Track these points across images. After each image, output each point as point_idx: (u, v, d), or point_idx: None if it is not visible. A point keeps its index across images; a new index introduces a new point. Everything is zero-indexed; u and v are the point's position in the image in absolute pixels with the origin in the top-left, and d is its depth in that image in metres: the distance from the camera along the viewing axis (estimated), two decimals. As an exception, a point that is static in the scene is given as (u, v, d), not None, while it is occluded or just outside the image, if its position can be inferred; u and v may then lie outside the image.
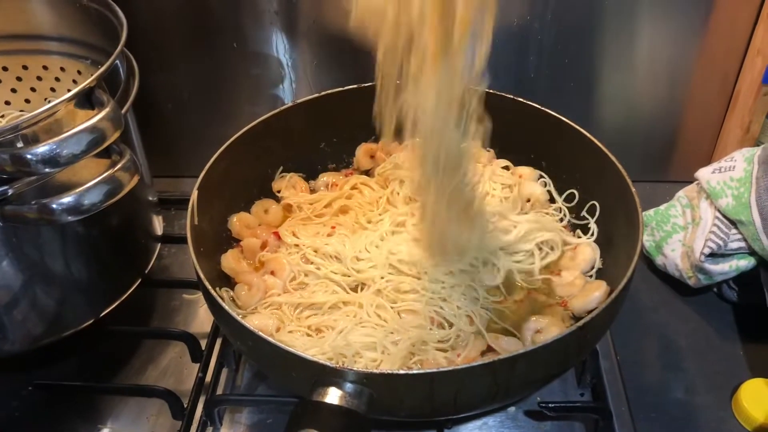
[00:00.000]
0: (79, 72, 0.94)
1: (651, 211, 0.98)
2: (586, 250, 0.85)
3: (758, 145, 0.91)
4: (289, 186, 0.96)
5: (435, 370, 0.61)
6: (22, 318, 0.78)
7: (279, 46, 1.03)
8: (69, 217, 0.68)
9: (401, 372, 0.59)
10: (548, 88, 1.06)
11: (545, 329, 0.77)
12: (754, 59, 0.98)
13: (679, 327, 0.92)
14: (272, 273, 0.84)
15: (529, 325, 0.77)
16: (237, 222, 0.90)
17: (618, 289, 0.67)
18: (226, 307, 0.67)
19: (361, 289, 0.82)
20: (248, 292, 0.82)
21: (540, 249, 0.86)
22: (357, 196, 0.94)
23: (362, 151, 1.01)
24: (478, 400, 0.66)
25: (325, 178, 0.99)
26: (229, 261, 0.85)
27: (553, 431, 0.79)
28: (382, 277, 0.81)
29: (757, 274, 0.86)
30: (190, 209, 0.78)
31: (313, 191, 0.98)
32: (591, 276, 0.85)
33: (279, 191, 0.96)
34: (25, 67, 0.95)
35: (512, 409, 0.81)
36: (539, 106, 0.92)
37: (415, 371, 0.59)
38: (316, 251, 0.86)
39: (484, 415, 0.79)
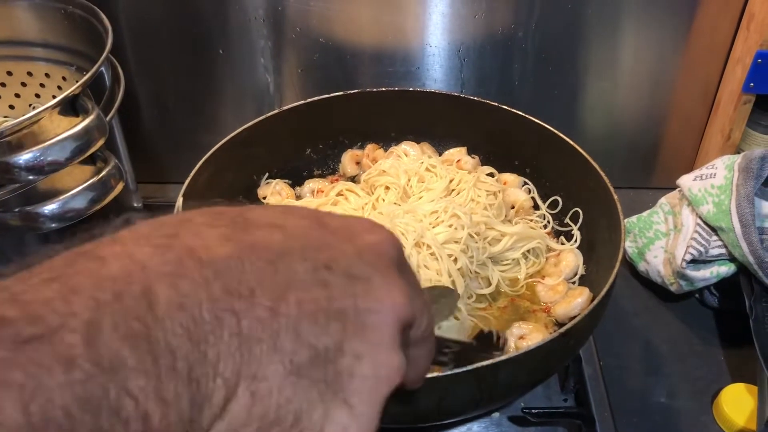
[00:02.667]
0: (64, 78, 0.94)
1: (634, 218, 1.00)
2: (569, 257, 0.86)
3: (739, 153, 0.92)
4: (275, 193, 0.96)
5: (418, 376, 0.61)
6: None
7: (265, 53, 1.04)
8: (53, 224, 0.69)
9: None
10: (532, 96, 1.07)
11: (528, 335, 0.78)
12: (734, 68, 1.00)
13: (662, 332, 0.93)
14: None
15: (513, 331, 0.78)
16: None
17: (600, 295, 0.68)
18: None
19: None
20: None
21: (525, 257, 0.87)
22: (343, 202, 0.95)
23: (348, 158, 1.01)
24: (462, 407, 0.67)
25: (310, 184, 0.99)
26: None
27: (536, 436, 0.79)
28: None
29: (738, 280, 0.87)
30: (175, 216, 0.78)
31: (298, 198, 0.98)
32: (574, 282, 0.86)
33: (265, 198, 0.96)
34: (9, 73, 0.95)
35: (496, 414, 0.81)
36: (523, 114, 0.93)
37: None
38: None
39: (468, 421, 0.80)
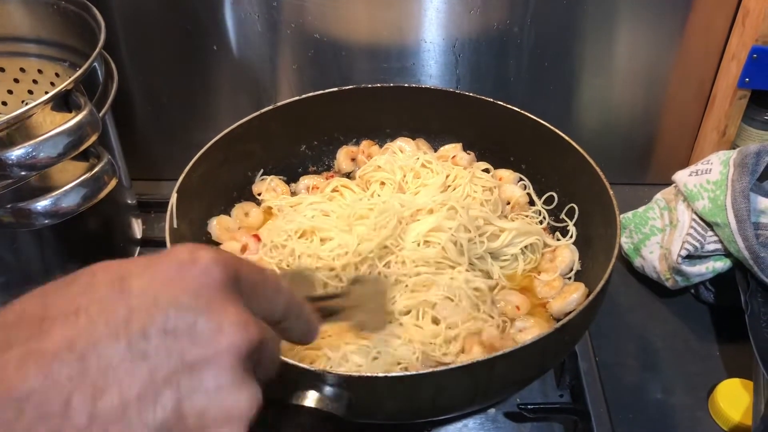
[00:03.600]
0: (57, 74, 0.93)
1: (629, 214, 1.00)
2: (565, 252, 0.86)
3: (734, 148, 0.92)
4: (270, 189, 0.96)
5: (413, 373, 0.61)
6: (-2, 323, 0.77)
7: (259, 49, 1.03)
8: (46, 221, 0.68)
9: (379, 375, 0.59)
10: (528, 91, 1.07)
11: (529, 329, 0.78)
12: (729, 64, 1.00)
13: (657, 328, 0.93)
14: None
15: (516, 324, 0.78)
16: (217, 225, 0.90)
17: (596, 291, 0.68)
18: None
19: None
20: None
21: (523, 252, 0.87)
22: (338, 198, 0.94)
23: (343, 154, 1.01)
24: (458, 403, 0.67)
25: (306, 180, 0.99)
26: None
27: (532, 432, 0.79)
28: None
29: (733, 275, 0.87)
30: (169, 213, 0.78)
31: (293, 194, 0.98)
32: (570, 278, 0.86)
33: (260, 194, 0.96)
34: (2, 69, 0.94)
35: (492, 410, 0.81)
36: (519, 110, 0.92)
37: (393, 374, 0.59)
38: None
39: (464, 417, 0.80)
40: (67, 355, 0.31)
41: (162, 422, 0.31)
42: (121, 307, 0.33)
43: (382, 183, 0.93)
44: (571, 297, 0.79)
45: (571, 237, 0.89)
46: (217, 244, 0.89)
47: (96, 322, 0.32)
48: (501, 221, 0.87)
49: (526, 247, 0.87)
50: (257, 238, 0.89)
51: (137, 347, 0.32)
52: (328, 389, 0.59)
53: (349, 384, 0.58)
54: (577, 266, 0.86)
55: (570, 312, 0.77)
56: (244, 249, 0.88)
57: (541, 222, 0.93)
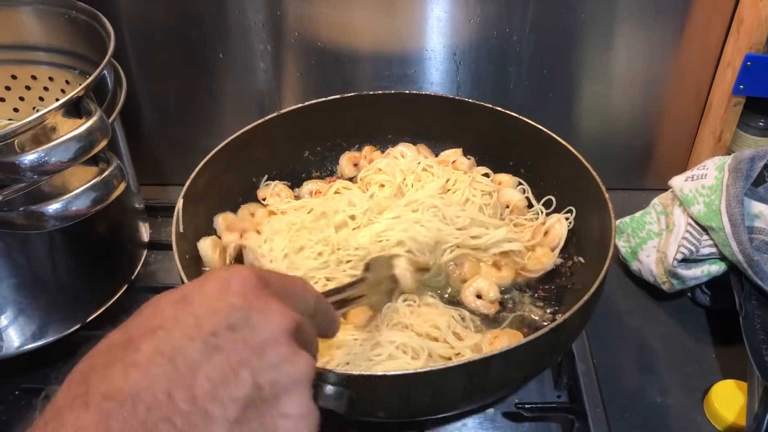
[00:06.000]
0: (67, 82, 0.96)
1: (627, 218, 1.01)
2: (557, 227, 0.90)
3: (729, 154, 0.94)
4: (274, 194, 0.98)
5: (411, 371, 0.63)
6: (8, 323, 0.79)
7: (264, 57, 1.05)
8: (57, 224, 0.70)
9: (379, 374, 0.61)
10: (527, 99, 1.09)
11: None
12: (724, 71, 1.01)
13: (654, 331, 0.94)
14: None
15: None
16: (222, 222, 0.91)
17: (590, 291, 0.69)
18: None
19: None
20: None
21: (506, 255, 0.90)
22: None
23: (345, 160, 1.03)
24: (455, 401, 0.68)
25: (309, 185, 1.01)
26: (207, 247, 0.86)
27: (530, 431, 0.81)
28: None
29: (728, 278, 0.89)
30: (175, 217, 0.80)
31: (297, 198, 0.99)
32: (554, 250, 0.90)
33: (264, 199, 0.98)
34: (14, 77, 0.97)
35: (491, 410, 0.82)
36: (518, 116, 0.94)
37: (391, 373, 0.61)
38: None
39: (463, 417, 0.81)
40: (159, 359, 0.38)
41: (245, 395, 0.39)
42: (190, 318, 0.41)
43: (381, 185, 0.95)
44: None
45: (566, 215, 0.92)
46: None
47: (173, 333, 0.40)
48: (490, 223, 0.90)
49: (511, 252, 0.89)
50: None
51: (211, 344, 0.40)
52: (329, 387, 0.60)
53: (349, 382, 0.60)
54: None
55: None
56: (242, 235, 0.91)
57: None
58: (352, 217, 0.88)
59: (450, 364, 0.61)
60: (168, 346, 0.39)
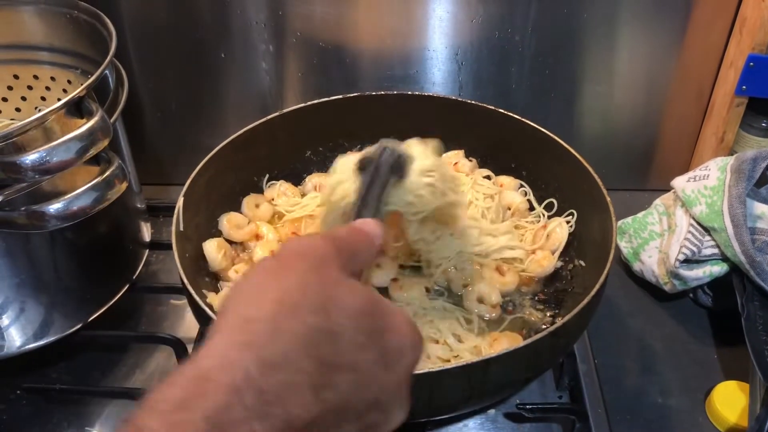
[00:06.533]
0: (69, 81, 0.96)
1: (629, 219, 1.01)
2: (557, 230, 0.90)
3: (732, 155, 0.93)
4: (281, 194, 0.98)
5: (411, 372, 0.62)
6: (10, 322, 0.79)
7: (266, 56, 1.05)
8: (58, 223, 0.70)
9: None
10: (529, 99, 1.09)
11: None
12: (727, 72, 1.01)
13: (656, 331, 0.94)
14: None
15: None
16: (227, 223, 0.91)
17: (590, 294, 0.69)
18: (210, 313, 0.69)
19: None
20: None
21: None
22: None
23: (347, 160, 1.03)
24: (454, 402, 0.68)
25: (314, 179, 1.01)
26: (212, 248, 0.86)
27: (531, 433, 0.81)
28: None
29: (730, 279, 0.89)
30: (175, 216, 0.80)
31: (303, 195, 0.99)
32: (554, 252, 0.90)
33: (272, 200, 0.98)
34: (16, 77, 0.97)
35: (492, 411, 0.82)
36: (520, 118, 0.94)
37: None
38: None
39: (464, 418, 0.81)
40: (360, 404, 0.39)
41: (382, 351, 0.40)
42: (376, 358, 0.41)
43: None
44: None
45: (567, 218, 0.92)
46: (228, 240, 0.91)
47: (362, 380, 0.40)
48: (494, 229, 0.90)
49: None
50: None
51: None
52: None
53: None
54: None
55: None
56: (257, 237, 0.91)
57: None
58: None
59: (448, 366, 0.61)
60: (350, 389, 0.39)
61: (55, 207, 0.69)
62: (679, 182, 0.95)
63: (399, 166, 0.70)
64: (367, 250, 0.49)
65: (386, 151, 0.68)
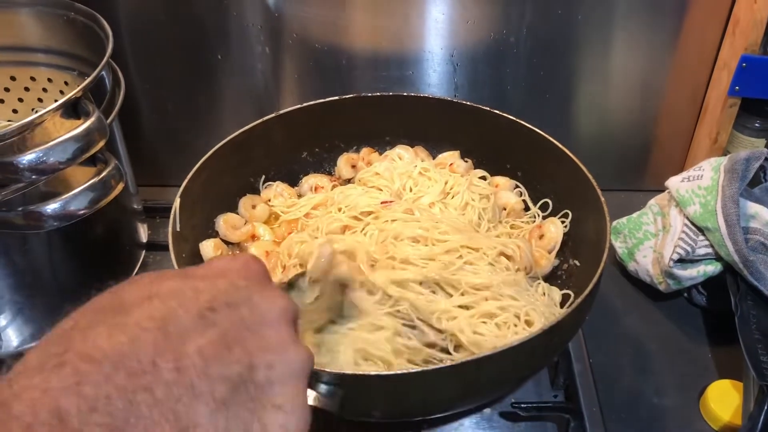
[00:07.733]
0: (65, 83, 0.96)
1: (624, 219, 1.01)
2: (551, 228, 0.90)
3: (726, 155, 0.94)
4: (278, 195, 0.98)
5: (404, 371, 0.63)
6: (6, 323, 0.79)
7: (263, 58, 1.06)
8: (55, 224, 0.70)
9: (371, 373, 0.61)
10: (524, 100, 1.09)
11: None
12: (720, 73, 1.02)
13: (650, 331, 0.95)
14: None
15: None
16: (224, 224, 0.92)
17: (584, 294, 0.69)
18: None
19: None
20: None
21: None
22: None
23: (343, 161, 1.03)
24: (448, 401, 0.68)
25: (310, 180, 1.01)
26: (209, 250, 0.86)
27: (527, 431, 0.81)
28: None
29: (724, 279, 0.89)
30: (172, 216, 0.80)
31: (299, 196, 1.00)
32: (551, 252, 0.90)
33: (269, 200, 0.98)
34: (12, 78, 0.97)
35: (488, 410, 0.83)
36: (514, 119, 0.95)
37: (384, 372, 0.61)
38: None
39: (459, 417, 0.81)
40: (149, 324, 0.35)
41: (237, 374, 0.37)
42: (189, 289, 0.38)
43: (380, 189, 0.95)
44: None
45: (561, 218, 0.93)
46: (225, 241, 0.91)
47: (169, 301, 0.37)
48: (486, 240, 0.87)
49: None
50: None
51: (207, 318, 0.37)
52: (322, 387, 0.60)
53: (342, 381, 0.60)
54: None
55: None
56: (253, 238, 0.91)
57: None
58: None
59: (442, 365, 0.61)
60: (161, 312, 0.36)
61: (51, 207, 0.69)
62: (673, 182, 0.96)
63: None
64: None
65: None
